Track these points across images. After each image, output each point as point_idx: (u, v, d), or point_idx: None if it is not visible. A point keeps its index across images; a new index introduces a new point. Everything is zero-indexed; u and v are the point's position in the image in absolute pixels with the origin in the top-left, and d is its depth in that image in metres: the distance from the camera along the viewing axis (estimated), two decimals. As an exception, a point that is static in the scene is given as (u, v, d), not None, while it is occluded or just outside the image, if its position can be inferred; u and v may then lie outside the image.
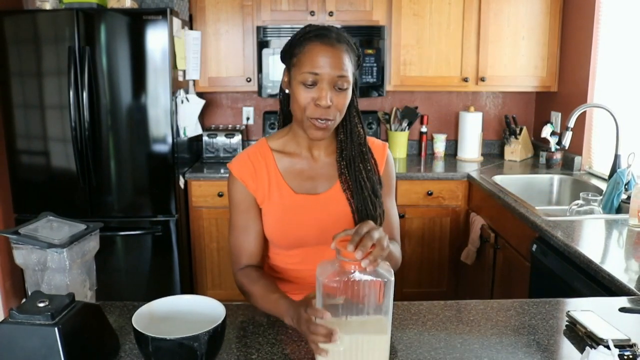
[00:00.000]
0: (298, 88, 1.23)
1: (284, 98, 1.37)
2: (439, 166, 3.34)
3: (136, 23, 2.75)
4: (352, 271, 0.94)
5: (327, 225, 1.29)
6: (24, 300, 1.00)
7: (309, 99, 1.22)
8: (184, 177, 3.06)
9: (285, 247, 1.35)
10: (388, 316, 0.97)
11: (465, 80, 3.29)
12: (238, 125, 3.55)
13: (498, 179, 2.89)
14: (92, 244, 1.20)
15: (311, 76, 1.20)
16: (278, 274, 1.41)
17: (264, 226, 1.34)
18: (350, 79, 1.24)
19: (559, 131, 3.23)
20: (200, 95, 3.34)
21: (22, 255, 1.13)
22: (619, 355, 0.97)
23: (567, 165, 3.12)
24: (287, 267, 1.39)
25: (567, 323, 1.18)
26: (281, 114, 1.40)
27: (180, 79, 3.04)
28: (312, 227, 1.31)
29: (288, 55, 1.28)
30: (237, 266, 1.35)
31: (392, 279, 0.96)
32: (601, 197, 2.32)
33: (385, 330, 0.98)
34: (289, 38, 1.30)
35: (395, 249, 1.36)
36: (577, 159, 3.05)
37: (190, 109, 3.11)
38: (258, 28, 3.18)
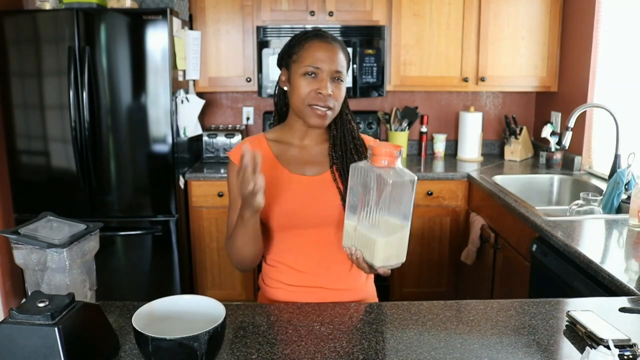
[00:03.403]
0: (300, 80, 1.34)
1: (281, 96, 1.47)
2: (439, 166, 3.34)
3: (136, 23, 2.75)
4: (381, 164, 1.12)
5: (316, 208, 1.36)
6: (24, 300, 1.00)
7: (310, 89, 1.33)
8: (184, 177, 3.06)
9: (278, 228, 1.38)
10: (408, 217, 1.14)
11: (465, 80, 3.29)
12: (238, 125, 3.55)
13: (498, 179, 2.89)
14: (92, 244, 1.20)
15: (313, 69, 1.33)
16: (275, 267, 1.43)
17: None
18: (345, 74, 1.37)
19: (559, 131, 3.23)
20: (200, 95, 3.34)
21: (22, 255, 1.13)
22: (619, 355, 0.97)
23: (567, 165, 3.12)
24: (283, 254, 1.41)
25: (567, 323, 1.18)
26: (276, 114, 1.51)
27: (180, 79, 3.04)
28: (303, 207, 1.37)
29: (287, 55, 1.39)
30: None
31: (413, 179, 1.12)
32: (601, 197, 2.32)
33: (396, 229, 1.13)
34: (287, 41, 1.41)
35: None
36: (577, 159, 3.05)
37: (190, 109, 3.11)
38: (258, 28, 3.17)
